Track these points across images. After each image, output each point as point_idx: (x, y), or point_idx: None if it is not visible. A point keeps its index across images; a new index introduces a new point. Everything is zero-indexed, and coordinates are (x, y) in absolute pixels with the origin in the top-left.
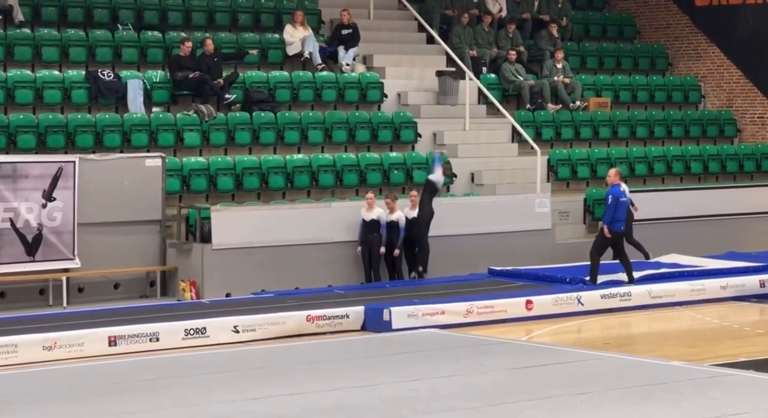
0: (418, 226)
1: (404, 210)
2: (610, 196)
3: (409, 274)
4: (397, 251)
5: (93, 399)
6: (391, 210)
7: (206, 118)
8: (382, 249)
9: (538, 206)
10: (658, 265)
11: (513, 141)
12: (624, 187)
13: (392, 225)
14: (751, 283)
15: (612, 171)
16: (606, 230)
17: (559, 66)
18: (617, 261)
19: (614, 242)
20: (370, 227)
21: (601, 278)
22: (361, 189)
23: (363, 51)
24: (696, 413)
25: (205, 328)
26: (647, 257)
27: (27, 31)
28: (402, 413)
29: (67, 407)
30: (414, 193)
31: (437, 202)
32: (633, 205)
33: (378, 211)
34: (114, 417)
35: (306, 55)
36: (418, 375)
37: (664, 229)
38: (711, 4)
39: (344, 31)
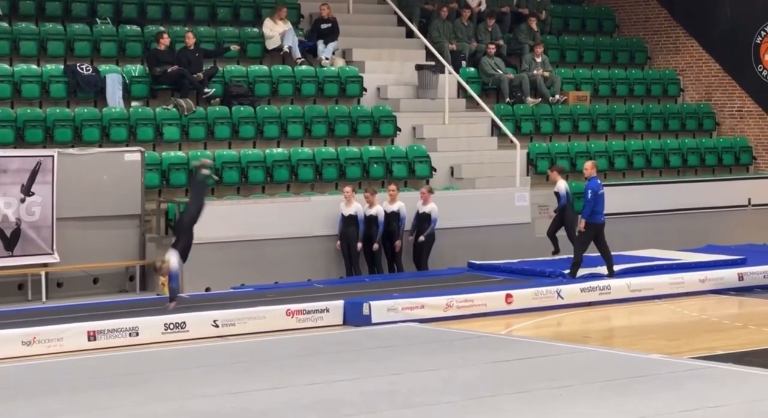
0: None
1: (383, 204)
2: (589, 191)
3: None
4: (375, 246)
5: (72, 394)
6: (371, 204)
7: (185, 113)
8: (359, 245)
9: (518, 200)
10: (637, 259)
11: (492, 135)
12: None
13: (371, 219)
14: (729, 276)
15: (589, 164)
16: (582, 224)
17: (539, 60)
18: (598, 254)
19: (596, 234)
20: (348, 222)
21: (581, 272)
22: (341, 183)
23: (342, 45)
24: (674, 405)
25: (184, 322)
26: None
27: (5, 24)
28: (382, 406)
29: (47, 403)
30: (392, 187)
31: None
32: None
33: (356, 205)
34: (94, 412)
35: (285, 49)
36: (398, 369)
37: (643, 222)
38: None
39: (323, 26)
